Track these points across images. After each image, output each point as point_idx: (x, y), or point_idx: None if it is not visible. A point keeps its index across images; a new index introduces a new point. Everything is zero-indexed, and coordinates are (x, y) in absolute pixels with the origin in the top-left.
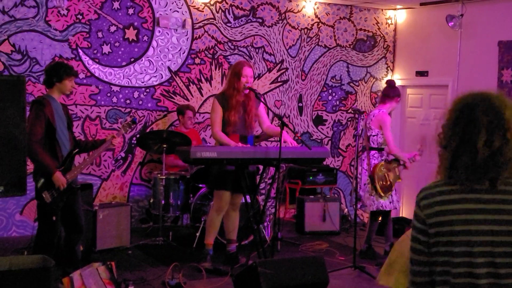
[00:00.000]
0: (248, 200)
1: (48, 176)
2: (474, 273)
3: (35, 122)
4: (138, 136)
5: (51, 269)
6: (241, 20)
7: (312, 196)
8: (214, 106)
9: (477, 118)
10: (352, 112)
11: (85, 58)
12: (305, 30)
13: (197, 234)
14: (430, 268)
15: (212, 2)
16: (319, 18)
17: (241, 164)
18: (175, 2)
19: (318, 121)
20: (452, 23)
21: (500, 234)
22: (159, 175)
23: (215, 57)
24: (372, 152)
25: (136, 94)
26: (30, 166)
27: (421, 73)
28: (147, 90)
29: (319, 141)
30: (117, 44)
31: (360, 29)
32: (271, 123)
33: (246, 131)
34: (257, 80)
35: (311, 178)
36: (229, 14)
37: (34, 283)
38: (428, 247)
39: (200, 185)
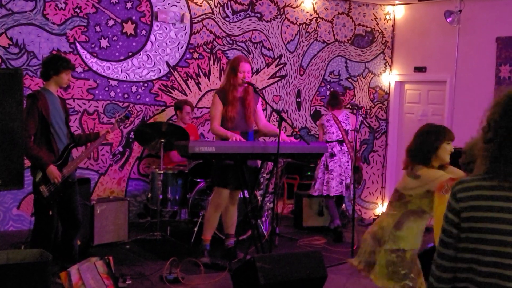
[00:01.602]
0: (247, 195)
1: (42, 170)
2: (503, 275)
3: (27, 117)
4: (135, 130)
5: (49, 263)
6: (240, 15)
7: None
8: (214, 102)
9: None
10: (351, 107)
11: (83, 52)
12: (304, 25)
13: (195, 229)
14: (455, 264)
15: None
16: (317, 13)
17: (240, 159)
18: None
19: (317, 116)
20: (451, 19)
21: None
22: (157, 169)
23: (214, 51)
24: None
25: (134, 89)
26: (28, 160)
27: (419, 69)
28: (145, 84)
29: (317, 136)
30: (115, 38)
31: (359, 25)
32: (270, 117)
33: (246, 127)
34: (256, 75)
35: (309, 173)
36: (228, 8)
37: (31, 277)
38: (458, 242)
39: (198, 180)
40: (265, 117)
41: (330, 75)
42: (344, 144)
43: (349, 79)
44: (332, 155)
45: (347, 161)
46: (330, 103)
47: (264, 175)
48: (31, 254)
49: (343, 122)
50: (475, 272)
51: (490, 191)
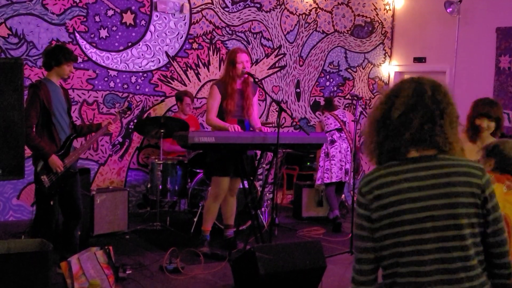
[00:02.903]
0: (246, 185)
1: (44, 160)
2: (422, 250)
3: (29, 107)
4: (135, 121)
5: (50, 252)
6: (239, 5)
7: (310, 182)
8: (213, 93)
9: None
10: (350, 97)
11: (82, 42)
12: (303, 15)
13: (195, 220)
14: (376, 253)
15: None
16: (317, 4)
17: (239, 149)
18: None
19: (316, 106)
20: (451, 9)
21: (440, 208)
22: (156, 160)
23: (213, 42)
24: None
25: (133, 79)
26: (28, 150)
27: (418, 60)
28: (145, 75)
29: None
30: (114, 28)
31: (358, 15)
32: (269, 108)
33: (242, 115)
34: (255, 65)
35: (308, 163)
36: None
37: (32, 266)
38: (373, 233)
39: (198, 170)
40: (265, 107)
41: (329, 66)
42: (343, 132)
43: (349, 70)
44: (333, 141)
45: (347, 147)
46: (326, 108)
47: (264, 165)
48: (32, 243)
49: (340, 115)
50: (398, 254)
51: (388, 177)
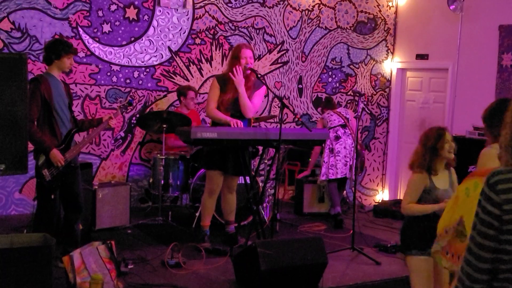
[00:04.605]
0: (248, 181)
1: (45, 154)
2: None
3: (30, 101)
4: (137, 116)
5: (52, 247)
6: (242, 1)
7: (311, 178)
8: (212, 85)
9: None
10: (352, 94)
11: (85, 37)
12: (306, 11)
13: (197, 214)
14: (497, 255)
15: None
16: (320, 0)
17: (241, 145)
18: None
19: (318, 102)
20: (454, 6)
21: None
22: (158, 155)
23: (216, 37)
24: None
25: (136, 74)
26: (30, 144)
27: (421, 56)
28: (147, 69)
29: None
30: (117, 23)
31: (361, 11)
32: (272, 103)
33: (239, 112)
34: (257, 61)
35: (310, 159)
36: None
37: (35, 260)
38: (500, 234)
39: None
40: (267, 103)
41: (332, 62)
42: (347, 128)
43: (351, 66)
44: (338, 137)
45: (352, 143)
46: (326, 107)
47: (266, 161)
48: (35, 238)
49: (342, 112)
50: None
51: None
